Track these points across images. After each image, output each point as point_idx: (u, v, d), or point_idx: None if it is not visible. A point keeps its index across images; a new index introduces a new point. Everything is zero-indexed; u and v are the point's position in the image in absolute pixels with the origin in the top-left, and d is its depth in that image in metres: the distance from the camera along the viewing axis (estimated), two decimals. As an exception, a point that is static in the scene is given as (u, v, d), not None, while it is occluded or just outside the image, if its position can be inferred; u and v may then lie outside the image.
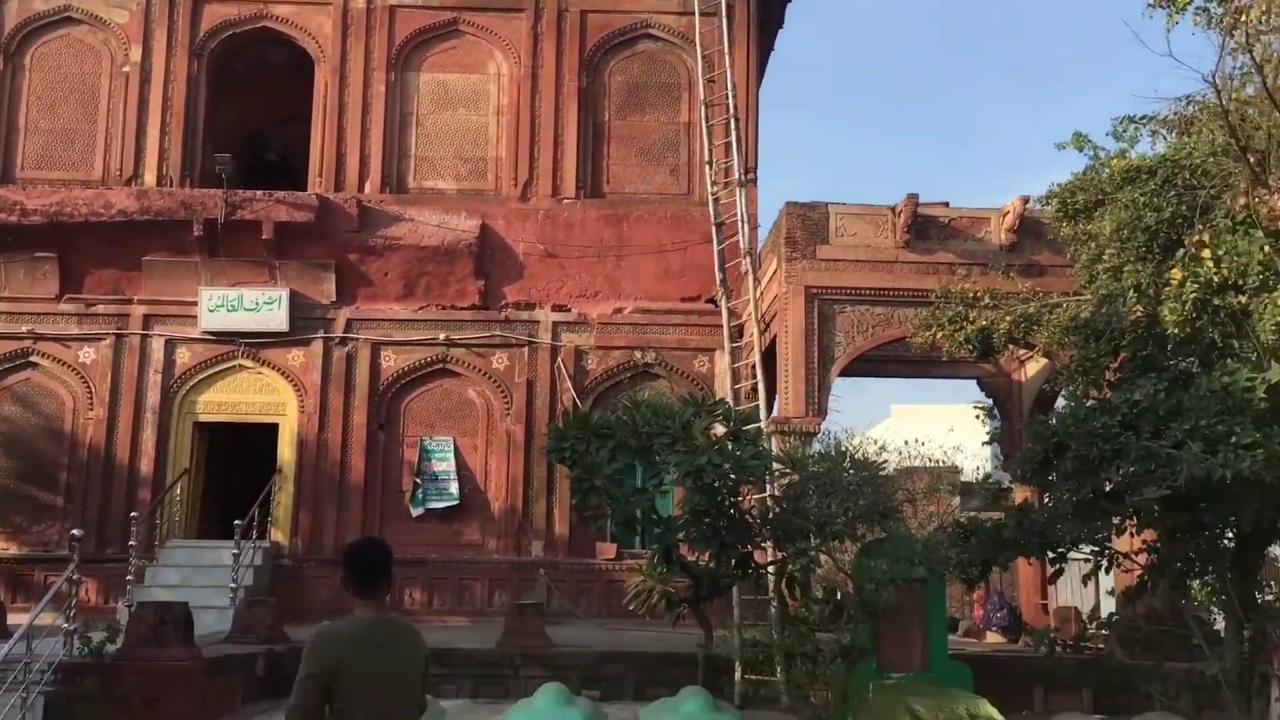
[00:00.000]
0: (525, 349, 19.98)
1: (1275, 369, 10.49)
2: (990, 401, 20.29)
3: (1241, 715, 11.09)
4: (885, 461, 13.11)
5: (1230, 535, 11.44)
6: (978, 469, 25.75)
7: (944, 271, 15.65)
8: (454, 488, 19.55)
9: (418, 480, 19.56)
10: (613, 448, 12.43)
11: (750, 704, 12.85)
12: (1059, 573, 12.60)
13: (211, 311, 19.63)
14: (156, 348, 19.85)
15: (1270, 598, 12.01)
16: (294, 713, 4.22)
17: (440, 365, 20.07)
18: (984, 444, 22.48)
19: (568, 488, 14.65)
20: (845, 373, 18.09)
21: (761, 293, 17.58)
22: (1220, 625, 12.05)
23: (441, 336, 19.95)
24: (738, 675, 13.11)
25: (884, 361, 19.77)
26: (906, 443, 18.03)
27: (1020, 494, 17.44)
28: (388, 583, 4.49)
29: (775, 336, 16.65)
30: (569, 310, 20.18)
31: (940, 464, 21.14)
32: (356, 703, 4.17)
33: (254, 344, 19.82)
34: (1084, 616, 14.19)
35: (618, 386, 19.77)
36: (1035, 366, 18.31)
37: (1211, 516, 10.73)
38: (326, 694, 4.17)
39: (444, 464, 19.66)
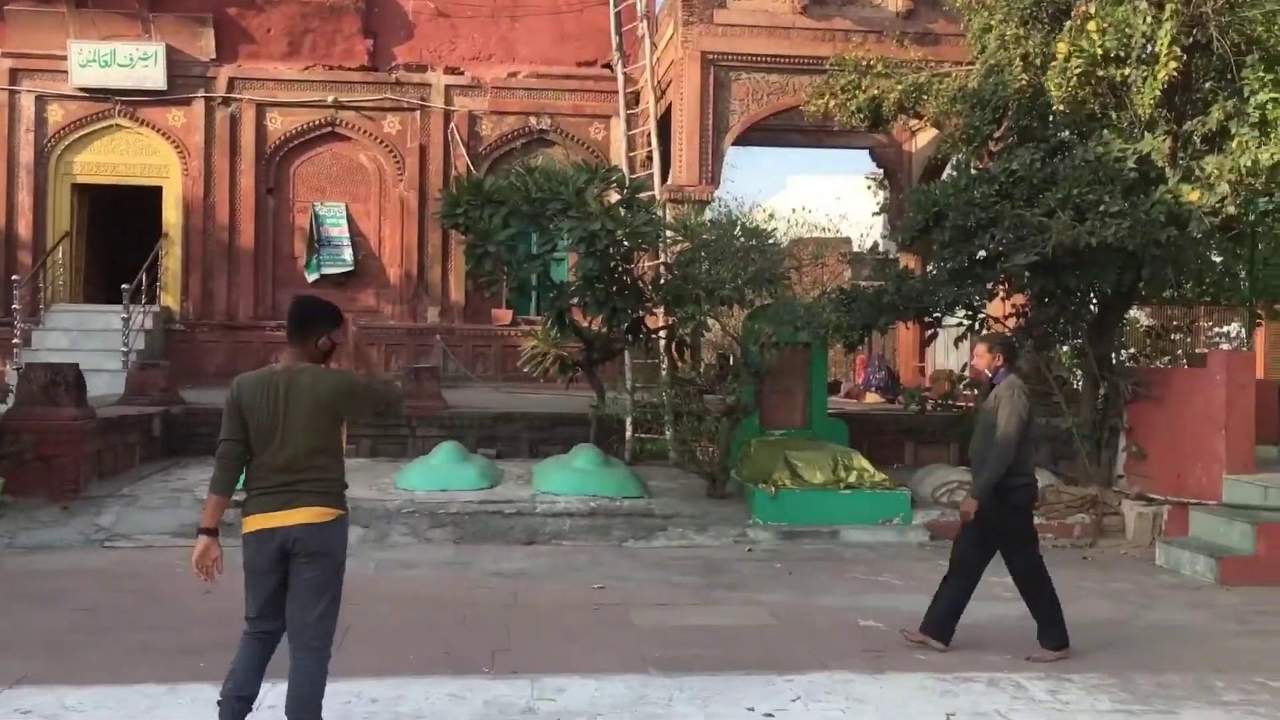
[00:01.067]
0: (417, 113, 19.51)
1: (1147, 139, 10.88)
2: (881, 172, 20.62)
3: (1091, 464, 12.05)
4: (775, 230, 13.38)
5: (1093, 299, 12.09)
6: (862, 237, 26.31)
7: (840, 39, 15.56)
8: (348, 254, 19.42)
9: (315, 245, 19.35)
10: (506, 214, 12.46)
11: (640, 460, 13.49)
12: (933, 336, 13.25)
13: (83, 67, 18.64)
14: (26, 104, 18.92)
15: (1125, 357, 12.82)
16: (218, 447, 4.67)
17: (329, 129, 19.55)
18: (874, 214, 22.93)
19: (463, 254, 14.71)
20: (741, 142, 18.15)
21: (658, 58, 17.30)
22: (1080, 384, 12.87)
23: (330, 99, 19.35)
24: (628, 433, 13.69)
25: (780, 131, 19.82)
26: (794, 210, 18.33)
27: (905, 262, 18.00)
28: (310, 334, 4.67)
29: (671, 104, 16.52)
30: (462, 74, 19.64)
31: (827, 233, 21.60)
32: (255, 436, 4.59)
33: (131, 102, 18.99)
34: (953, 377, 14.98)
35: (512, 153, 19.56)
36: (926, 136, 18.56)
37: (1076, 281, 11.31)
38: (243, 430, 4.58)
39: (337, 229, 19.45)
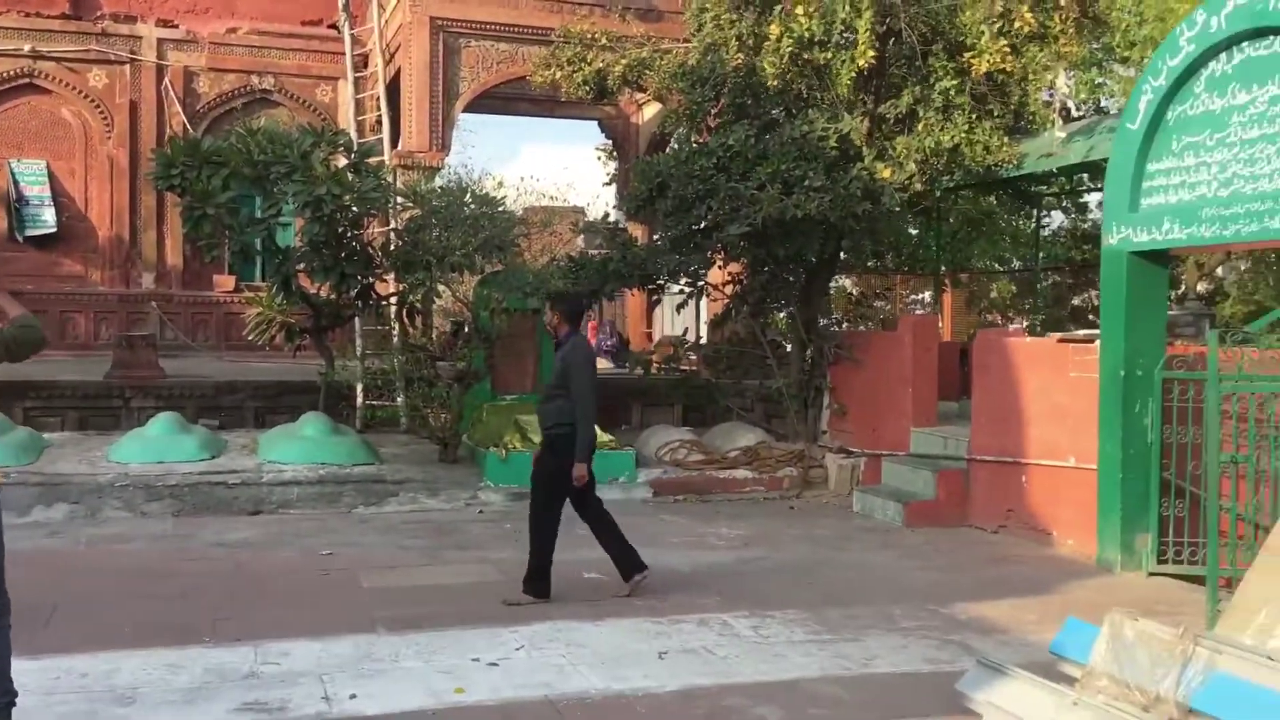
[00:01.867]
0: (127, 67, 18.41)
1: (846, 120, 11.73)
2: (611, 143, 21.11)
3: (799, 421, 12.96)
4: (505, 197, 13.55)
5: (801, 268, 12.96)
6: (589, 205, 26.85)
7: (568, 11, 15.85)
8: (49, 215, 18.16)
9: (18, 205, 17.95)
10: (227, 176, 12.04)
11: (371, 427, 13.43)
12: (657, 302, 13.81)
13: None
14: None
15: (830, 322, 13.81)
16: None
17: (27, 80, 18.17)
18: (604, 184, 23.44)
19: (180, 217, 14.09)
20: (474, 109, 18.18)
21: (386, 21, 17.06)
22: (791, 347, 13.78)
23: (26, 48, 17.96)
24: (359, 400, 13.59)
25: (512, 99, 19.96)
26: (522, 178, 18.53)
27: (634, 231, 18.59)
28: None
29: (400, 68, 16.34)
30: (176, 27, 18.68)
31: (555, 201, 21.96)
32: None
33: None
34: (671, 340, 15.69)
35: (233, 113, 18.82)
36: (653, 110, 19.16)
37: (785, 251, 12.09)
38: None
39: (37, 188, 18.13)
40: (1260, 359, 7.30)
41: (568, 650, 6.16)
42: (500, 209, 13.09)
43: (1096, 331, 8.96)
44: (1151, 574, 8.20)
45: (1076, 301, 21.23)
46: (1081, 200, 18.92)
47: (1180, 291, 21.02)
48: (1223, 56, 7.64)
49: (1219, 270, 23.22)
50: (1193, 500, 8.00)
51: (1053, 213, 19.07)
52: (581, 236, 25.23)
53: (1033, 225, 18.12)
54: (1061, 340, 9.52)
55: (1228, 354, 7.32)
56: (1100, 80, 20.00)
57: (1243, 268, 22.89)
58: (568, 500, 7.46)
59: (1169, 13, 16.02)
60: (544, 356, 14.23)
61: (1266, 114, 7.30)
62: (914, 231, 17.10)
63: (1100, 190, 10.38)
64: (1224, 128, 7.62)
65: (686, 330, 16.68)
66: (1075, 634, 5.14)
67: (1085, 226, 19.07)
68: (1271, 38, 7.26)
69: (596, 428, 11.92)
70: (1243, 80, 7.48)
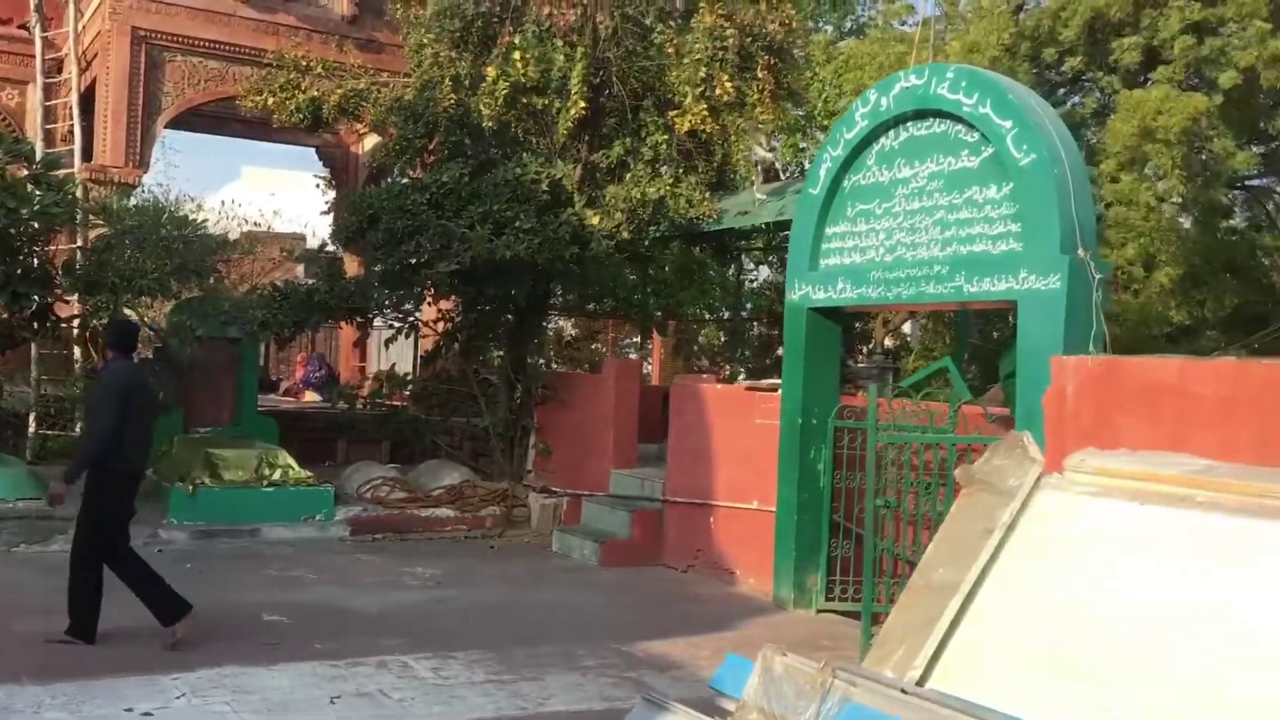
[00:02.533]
0: None
1: (560, 165, 11.98)
2: (329, 171, 20.60)
3: (505, 460, 13.01)
4: (205, 221, 12.96)
5: (511, 308, 13.06)
6: (309, 232, 26.07)
7: (285, 34, 15.43)
8: None
9: None
10: (-119, 179, 10.92)
11: (43, 458, 12.44)
12: (365, 336, 13.55)
13: None
14: None
15: (537, 362, 13.97)
16: None
17: None
18: (322, 213, 22.86)
19: None
20: (186, 127, 17.35)
21: (84, 26, 16.03)
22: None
23: None
24: (30, 429, 12.58)
25: (225, 120, 19.13)
26: (223, 203, 17.84)
27: (351, 263, 18.20)
28: None
29: (96, 77, 15.38)
30: None
31: (259, 227, 21.21)
32: None
33: None
34: (382, 376, 15.46)
35: (-101, 110, 17.11)
36: (373, 141, 18.87)
37: (495, 290, 12.17)
38: None
39: None
40: (914, 411, 7.95)
41: (233, 698, 5.90)
42: (200, 232, 12.50)
43: (780, 381, 9.50)
44: (820, 610, 8.73)
45: (780, 351, 22.45)
46: (785, 256, 20.06)
47: (870, 345, 22.66)
48: (891, 133, 8.34)
49: (905, 327, 25.16)
50: (858, 541, 8.58)
51: (760, 266, 20.12)
52: (302, 265, 24.46)
53: (739, 277, 19.04)
54: (748, 388, 10.04)
55: (893, 406, 7.96)
56: (804, 145, 21.40)
57: (924, 325, 24.92)
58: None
59: (864, 87, 17.39)
60: (245, 388, 13.68)
61: (926, 189, 8.01)
62: (634, 278, 17.64)
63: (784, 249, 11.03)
64: (890, 198, 8.31)
65: (394, 365, 16.44)
66: (733, 670, 5.42)
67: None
68: (932, 119, 7.99)
69: (291, 461, 11.65)
70: (907, 156, 8.18)
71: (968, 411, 7.98)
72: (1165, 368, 6.31)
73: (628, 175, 11.74)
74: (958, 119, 7.74)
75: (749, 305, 19.11)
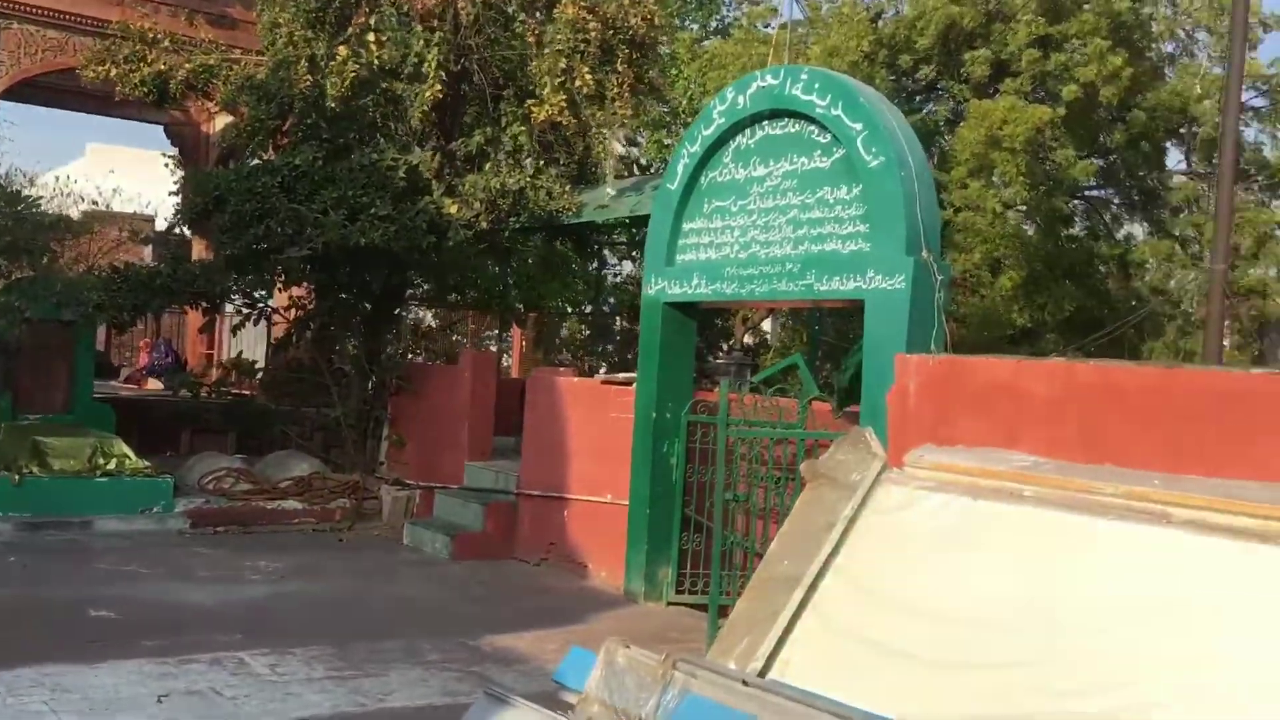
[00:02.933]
0: None
1: (417, 153, 11.76)
2: (179, 150, 19.82)
3: (357, 451, 12.73)
4: (39, 198, 12.32)
5: (366, 296, 12.79)
6: (153, 212, 25.01)
7: (129, 6, 14.70)
8: None
9: None
10: None
11: None
12: (211, 323, 13.09)
13: None
14: None
15: (393, 352, 13.70)
16: None
17: None
18: (170, 194, 22.01)
19: None
20: (20, 98, 16.45)
21: (-90, -15, 15.05)
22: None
23: None
24: None
25: (68, 93, 18.19)
26: (57, 179, 16.99)
27: (200, 246, 17.53)
28: None
29: (-77, 40, 14.49)
30: None
31: (97, 206, 20.30)
32: None
33: None
34: (228, 363, 14.97)
35: None
36: (225, 120, 18.22)
37: (349, 278, 11.89)
38: None
39: None
40: (765, 406, 8.07)
41: (52, 697, 5.62)
42: (34, 209, 11.89)
43: (636, 375, 9.52)
44: (671, 603, 8.78)
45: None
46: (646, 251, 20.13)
47: (730, 342, 22.95)
48: (747, 132, 8.42)
49: (764, 324, 25.56)
50: (708, 534, 8.66)
51: (624, 261, 20.16)
52: (149, 248, 23.45)
53: (600, 271, 19.04)
54: (604, 381, 10.04)
55: (745, 401, 8.05)
56: (668, 142, 21.51)
57: (782, 324, 25.36)
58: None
59: (726, 85, 17.58)
60: (80, 374, 13.07)
61: (780, 187, 8.12)
62: (498, 270, 17.47)
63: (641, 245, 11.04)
64: (746, 196, 8.39)
65: (242, 353, 15.93)
66: (576, 663, 5.38)
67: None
68: (787, 119, 8.10)
69: (127, 450, 11.17)
70: (762, 155, 8.28)
71: (817, 408, 8.14)
72: (1001, 368, 6.53)
73: (487, 165, 11.60)
74: (811, 120, 7.86)
75: (610, 300, 19.11)
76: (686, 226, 8.90)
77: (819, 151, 7.85)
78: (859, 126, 7.45)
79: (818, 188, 7.84)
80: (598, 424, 9.83)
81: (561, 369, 11.80)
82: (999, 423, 6.45)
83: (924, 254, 7.16)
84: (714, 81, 18.30)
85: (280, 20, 11.66)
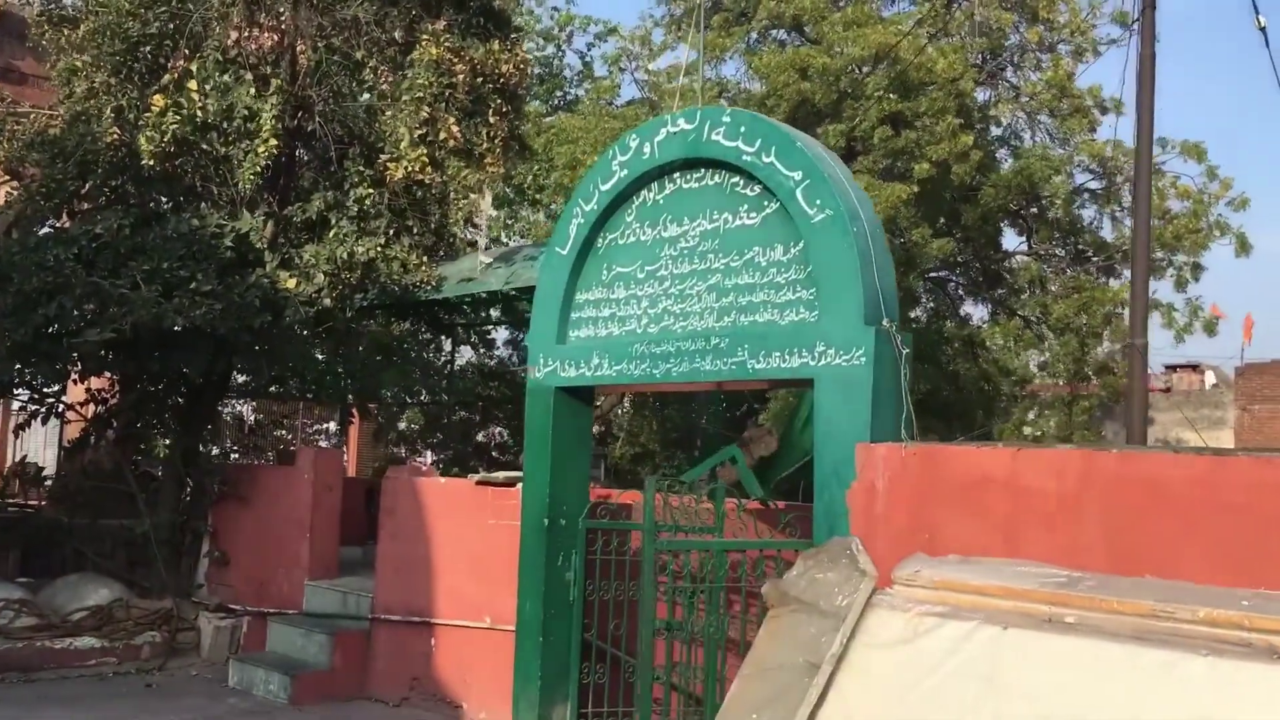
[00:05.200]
0: None
1: (247, 219, 10.11)
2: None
3: (169, 572, 10.73)
4: None
5: (182, 387, 10.93)
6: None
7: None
8: None
9: None
10: None
11: None
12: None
13: None
14: None
15: (215, 452, 11.81)
16: None
17: None
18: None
19: None
20: None
21: None
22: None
23: None
24: None
25: None
26: None
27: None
28: None
29: None
30: None
31: None
32: None
33: None
34: (10, 469, 12.73)
35: None
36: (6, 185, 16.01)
37: (162, 366, 10.05)
38: None
39: None
40: (692, 510, 6.74)
41: None
42: None
43: (518, 474, 8.04)
44: (572, 750, 7.24)
45: (481, 437, 20.86)
46: (489, 335, 18.75)
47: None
48: (656, 185, 7.19)
49: (614, 412, 24.24)
50: (614, 664, 7.20)
51: (462, 347, 18.67)
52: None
53: (446, 355, 17.53)
54: (480, 483, 8.49)
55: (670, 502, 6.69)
56: (509, 220, 20.27)
57: (626, 410, 24.08)
58: None
59: (578, 162, 16.48)
60: None
61: (698, 249, 6.89)
62: (321, 356, 15.74)
63: (511, 324, 9.72)
64: (655, 260, 7.13)
65: (25, 458, 13.67)
66: None
67: (491, 363, 18.83)
68: (705, 170, 6.91)
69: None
70: (675, 212, 7.05)
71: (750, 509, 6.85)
72: (994, 458, 5.38)
73: (330, 233, 10.02)
74: (736, 170, 6.69)
75: (448, 387, 17.60)
76: (582, 298, 7.56)
77: (746, 207, 6.67)
78: (797, 175, 6.30)
79: (746, 248, 6.64)
80: (473, 533, 8.30)
81: (423, 467, 10.17)
82: (995, 525, 5.31)
83: (885, 324, 6.01)
84: (563, 156, 17.21)
85: (79, 65, 9.89)
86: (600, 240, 7.49)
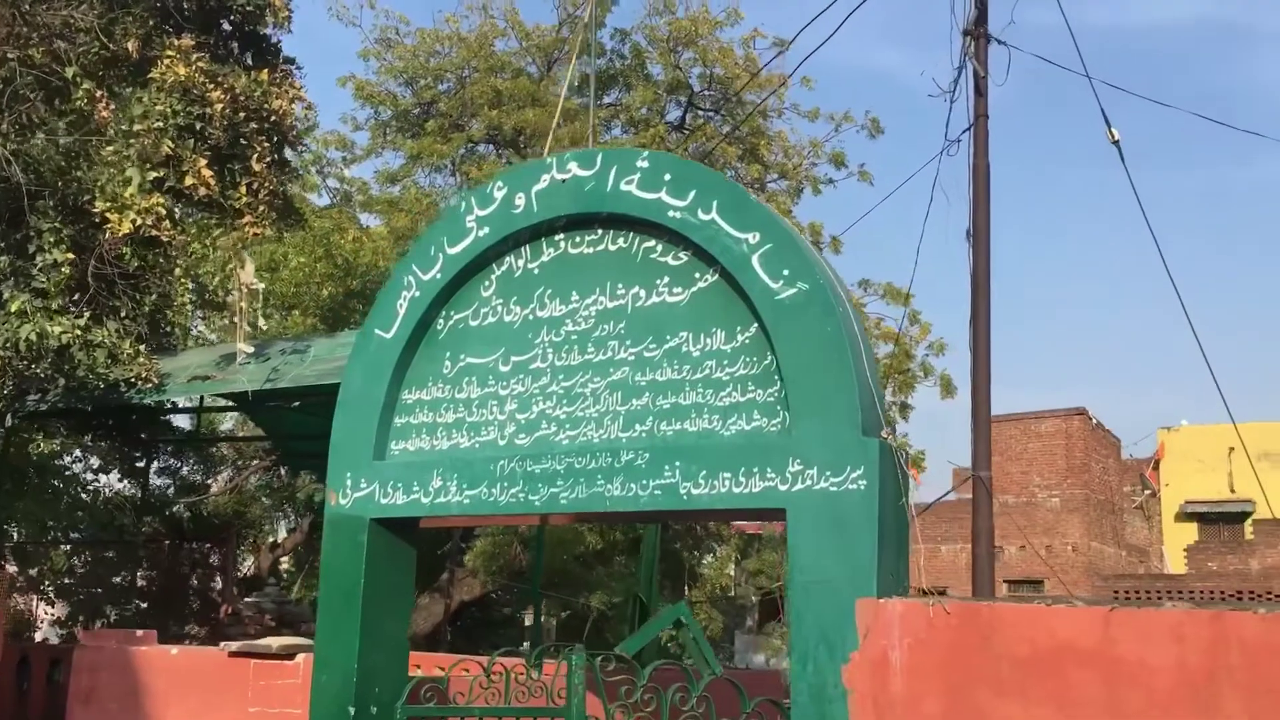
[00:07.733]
0: None
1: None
2: None
3: None
4: None
5: None
6: None
7: None
8: None
9: None
10: None
11: None
12: None
13: None
14: None
15: None
16: None
17: None
18: None
19: None
20: None
21: None
22: None
23: None
24: None
25: None
26: None
27: None
28: None
29: None
30: None
31: None
32: None
33: None
34: None
35: None
36: None
37: None
38: None
39: None
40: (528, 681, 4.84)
41: None
42: None
43: (299, 641, 5.77)
44: None
45: (117, 580, 17.19)
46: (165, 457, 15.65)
47: (246, 573, 18.38)
48: (527, 250, 5.41)
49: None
50: None
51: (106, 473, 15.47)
52: None
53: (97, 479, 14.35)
54: (236, 654, 6.09)
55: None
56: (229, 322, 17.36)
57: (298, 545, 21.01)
58: None
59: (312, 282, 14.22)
60: None
61: (593, 335, 5.15)
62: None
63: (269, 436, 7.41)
64: (527, 348, 5.30)
65: None
66: None
67: (147, 493, 15.61)
68: (603, 230, 5.23)
69: None
70: (557, 285, 5.29)
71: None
72: (1076, 620, 3.95)
73: (10, 307, 7.34)
74: (652, 228, 5.06)
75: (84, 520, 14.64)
76: (412, 397, 5.57)
77: (667, 279, 5.03)
78: (752, 238, 4.76)
79: (667, 334, 4.98)
80: (225, 728, 5.87)
81: (141, 634, 7.40)
82: (1079, 717, 3.85)
83: (885, 434, 4.50)
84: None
85: None
86: (441, 321, 5.58)
